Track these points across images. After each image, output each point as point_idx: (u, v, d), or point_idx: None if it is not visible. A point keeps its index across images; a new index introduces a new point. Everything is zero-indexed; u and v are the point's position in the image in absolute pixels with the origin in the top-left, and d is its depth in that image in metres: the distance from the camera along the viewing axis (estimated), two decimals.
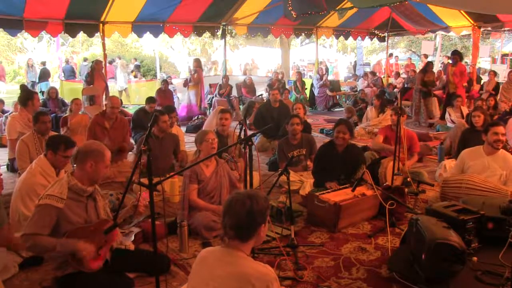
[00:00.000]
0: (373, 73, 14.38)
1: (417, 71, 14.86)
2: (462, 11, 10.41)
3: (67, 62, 17.03)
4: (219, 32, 11.41)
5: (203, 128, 6.90)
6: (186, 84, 10.90)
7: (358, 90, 13.11)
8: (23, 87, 9.69)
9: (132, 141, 7.52)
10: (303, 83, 13.00)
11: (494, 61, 21.62)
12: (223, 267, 1.96)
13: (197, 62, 10.88)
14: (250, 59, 21.10)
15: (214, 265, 2.00)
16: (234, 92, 11.98)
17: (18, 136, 5.65)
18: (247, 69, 18.97)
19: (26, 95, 6.37)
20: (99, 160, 2.79)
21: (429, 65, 9.94)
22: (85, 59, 18.57)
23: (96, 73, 9.59)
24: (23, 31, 8.83)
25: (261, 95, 11.93)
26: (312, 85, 13.13)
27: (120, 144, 5.81)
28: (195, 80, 10.56)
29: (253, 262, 1.99)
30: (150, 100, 7.50)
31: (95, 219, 2.86)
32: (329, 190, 4.31)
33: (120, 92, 14.19)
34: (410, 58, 18.74)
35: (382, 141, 5.56)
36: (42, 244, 2.63)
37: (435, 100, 9.90)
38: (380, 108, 8.69)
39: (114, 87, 13.29)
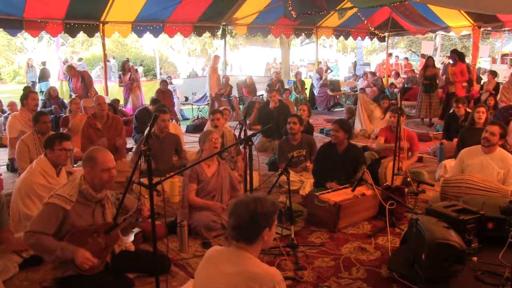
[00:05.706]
0: (373, 73, 14.37)
1: (416, 71, 14.91)
2: (462, 11, 10.40)
3: (66, 62, 17.02)
4: (219, 32, 11.40)
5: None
6: (130, 86, 10.01)
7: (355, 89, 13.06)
8: (25, 88, 9.70)
9: (132, 140, 7.56)
10: (302, 83, 12.99)
11: (494, 61, 21.61)
12: (231, 266, 1.98)
13: (129, 63, 10.52)
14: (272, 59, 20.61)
15: (221, 264, 2.02)
16: (235, 92, 11.96)
17: (18, 134, 5.68)
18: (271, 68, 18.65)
19: (23, 95, 6.46)
20: (92, 165, 2.79)
21: (429, 59, 9.80)
22: (80, 59, 18.61)
23: (74, 77, 9.48)
24: (23, 31, 8.81)
25: (262, 95, 11.92)
26: (312, 85, 13.12)
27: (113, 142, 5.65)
28: (137, 79, 10.08)
29: (261, 263, 2.01)
30: (154, 101, 7.69)
31: None
32: (329, 190, 4.31)
33: None
34: (407, 58, 18.65)
35: (383, 142, 5.58)
36: (44, 244, 2.63)
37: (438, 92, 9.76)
38: (386, 110, 8.60)
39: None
